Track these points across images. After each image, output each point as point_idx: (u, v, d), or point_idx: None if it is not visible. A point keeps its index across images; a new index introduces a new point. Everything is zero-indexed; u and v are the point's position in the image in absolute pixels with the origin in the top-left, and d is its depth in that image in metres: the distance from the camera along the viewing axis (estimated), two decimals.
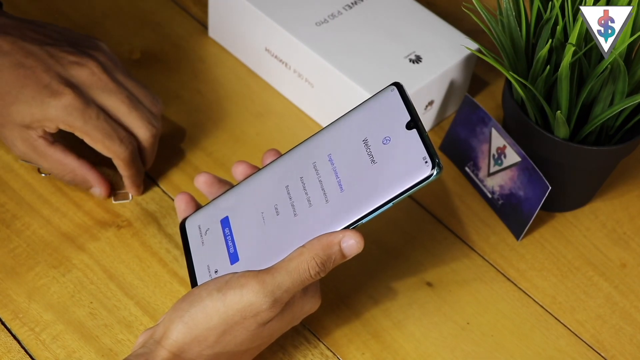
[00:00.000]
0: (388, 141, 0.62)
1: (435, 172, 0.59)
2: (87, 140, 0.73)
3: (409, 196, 0.62)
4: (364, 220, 0.62)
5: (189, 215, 0.70)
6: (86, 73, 0.72)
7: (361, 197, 0.62)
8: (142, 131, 0.74)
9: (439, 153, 0.84)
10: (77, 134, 0.72)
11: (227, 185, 0.71)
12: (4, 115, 0.72)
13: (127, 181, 0.76)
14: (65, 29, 0.76)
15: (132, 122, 0.74)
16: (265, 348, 0.69)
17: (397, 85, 0.64)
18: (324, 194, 0.63)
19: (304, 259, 0.62)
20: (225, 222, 0.67)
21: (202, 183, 0.71)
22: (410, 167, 0.60)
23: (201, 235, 0.68)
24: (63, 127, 0.72)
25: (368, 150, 0.62)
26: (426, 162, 0.59)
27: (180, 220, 0.71)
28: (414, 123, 0.61)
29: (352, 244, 0.63)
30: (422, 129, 0.61)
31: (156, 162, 0.80)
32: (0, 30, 0.72)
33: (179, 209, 0.71)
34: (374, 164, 0.62)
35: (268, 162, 0.69)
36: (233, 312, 0.61)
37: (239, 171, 0.70)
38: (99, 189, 0.76)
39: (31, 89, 0.71)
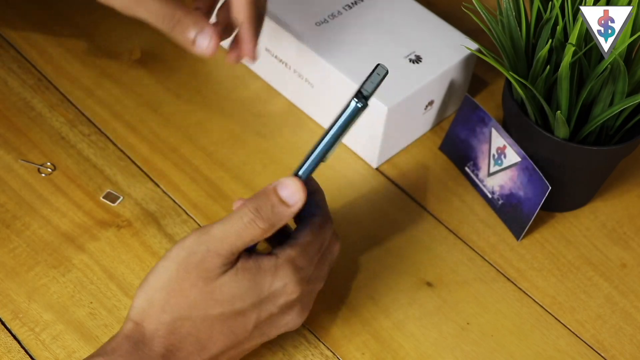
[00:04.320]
0: None
1: (356, 103, 0.62)
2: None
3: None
4: (305, 166, 0.64)
5: None
6: None
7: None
8: None
9: (439, 153, 0.84)
10: None
11: None
12: None
13: (246, 32, 0.68)
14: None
15: None
16: (266, 349, 0.69)
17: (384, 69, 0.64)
18: None
19: (240, 210, 0.62)
20: None
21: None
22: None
23: None
24: None
25: None
26: (354, 100, 0.63)
27: None
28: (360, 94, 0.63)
29: (289, 190, 0.63)
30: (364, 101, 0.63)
31: (156, 162, 0.80)
32: None
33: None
34: None
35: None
36: (176, 266, 0.60)
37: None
38: (206, 37, 0.68)
39: None
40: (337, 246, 0.69)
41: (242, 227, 0.61)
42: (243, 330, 0.63)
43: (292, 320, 0.65)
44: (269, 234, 0.62)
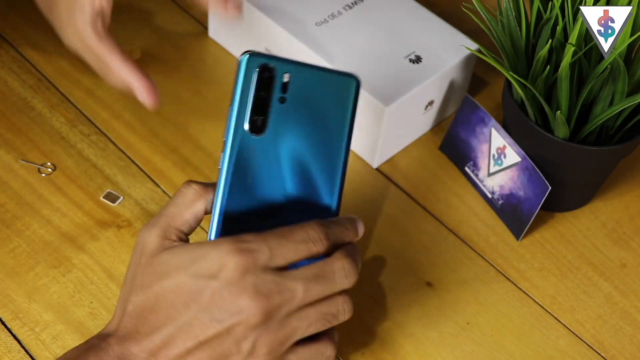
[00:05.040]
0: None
1: (356, 79, 0.58)
2: None
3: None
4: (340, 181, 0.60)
5: None
6: None
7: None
8: None
9: (439, 153, 0.84)
10: None
11: None
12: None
13: None
14: None
15: None
16: None
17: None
18: None
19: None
20: None
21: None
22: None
23: None
24: None
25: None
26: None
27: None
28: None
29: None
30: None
31: (156, 162, 0.80)
32: None
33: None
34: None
35: None
36: (134, 252, 0.59)
37: None
38: (143, 91, 0.71)
39: None
40: (344, 302, 0.60)
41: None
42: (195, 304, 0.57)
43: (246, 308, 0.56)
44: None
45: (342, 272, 0.59)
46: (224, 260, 0.56)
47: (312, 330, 0.59)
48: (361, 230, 0.62)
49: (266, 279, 0.56)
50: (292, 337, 0.58)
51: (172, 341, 0.57)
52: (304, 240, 0.58)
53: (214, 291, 0.56)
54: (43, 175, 0.78)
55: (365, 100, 0.78)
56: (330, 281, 0.58)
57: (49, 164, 0.79)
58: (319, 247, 0.58)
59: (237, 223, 0.59)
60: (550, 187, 0.75)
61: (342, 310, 0.60)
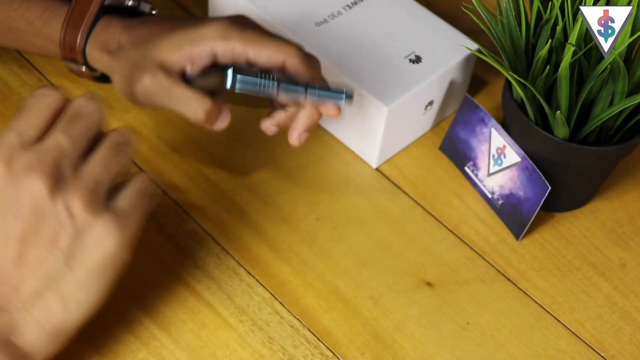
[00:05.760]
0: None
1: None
2: (252, 50, 0.68)
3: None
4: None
5: None
6: None
7: None
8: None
9: (439, 153, 0.84)
10: (238, 45, 0.68)
11: None
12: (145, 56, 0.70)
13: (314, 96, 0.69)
14: None
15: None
16: (265, 347, 0.69)
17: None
18: None
19: None
20: None
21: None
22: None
23: None
24: (220, 43, 0.68)
25: None
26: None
27: None
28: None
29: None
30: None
31: (156, 162, 0.80)
32: None
33: None
34: None
35: None
36: None
37: None
38: (227, 112, 0.71)
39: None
40: (116, 132, 0.62)
41: None
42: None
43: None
44: None
45: (86, 104, 0.60)
46: None
47: (113, 167, 0.60)
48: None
49: (28, 154, 0.58)
50: (98, 182, 0.59)
51: None
52: (37, 102, 0.60)
53: None
54: None
55: (365, 100, 0.78)
56: (84, 115, 0.60)
57: None
58: (51, 99, 0.60)
59: None
60: (550, 187, 0.75)
61: (120, 134, 0.62)
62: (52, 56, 0.78)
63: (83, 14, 0.74)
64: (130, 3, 0.76)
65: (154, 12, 0.78)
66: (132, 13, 0.76)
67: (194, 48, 0.69)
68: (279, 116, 0.72)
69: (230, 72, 0.67)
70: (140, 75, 0.69)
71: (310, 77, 0.70)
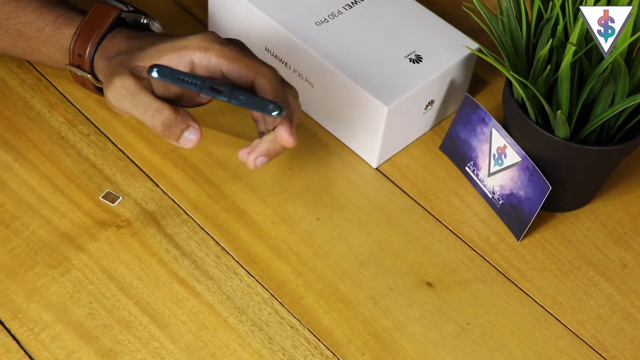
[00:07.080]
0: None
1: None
2: (225, 64, 0.68)
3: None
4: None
5: None
6: None
7: None
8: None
9: (439, 153, 0.84)
10: (214, 57, 0.68)
11: None
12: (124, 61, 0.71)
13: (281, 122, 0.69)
14: None
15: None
16: (265, 348, 0.69)
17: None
18: None
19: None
20: None
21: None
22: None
23: None
24: (198, 53, 0.68)
25: None
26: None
27: None
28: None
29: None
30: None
31: (156, 162, 0.80)
32: None
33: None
34: None
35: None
36: None
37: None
38: (194, 130, 0.70)
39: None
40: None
41: None
42: None
43: None
44: None
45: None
46: None
47: None
48: None
49: None
50: None
51: None
52: None
53: None
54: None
55: (365, 100, 0.78)
56: None
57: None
58: None
59: None
60: (550, 187, 0.74)
61: None
62: (55, 65, 0.78)
63: (97, 25, 0.75)
64: (145, 21, 0.76)
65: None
66: (143, 29, 0.77)
67: (174, 55, 0.69)
68: (254, 144, 0.72)
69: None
70: (113, 78, 0.70)
71: (279, 102, 0.68)
